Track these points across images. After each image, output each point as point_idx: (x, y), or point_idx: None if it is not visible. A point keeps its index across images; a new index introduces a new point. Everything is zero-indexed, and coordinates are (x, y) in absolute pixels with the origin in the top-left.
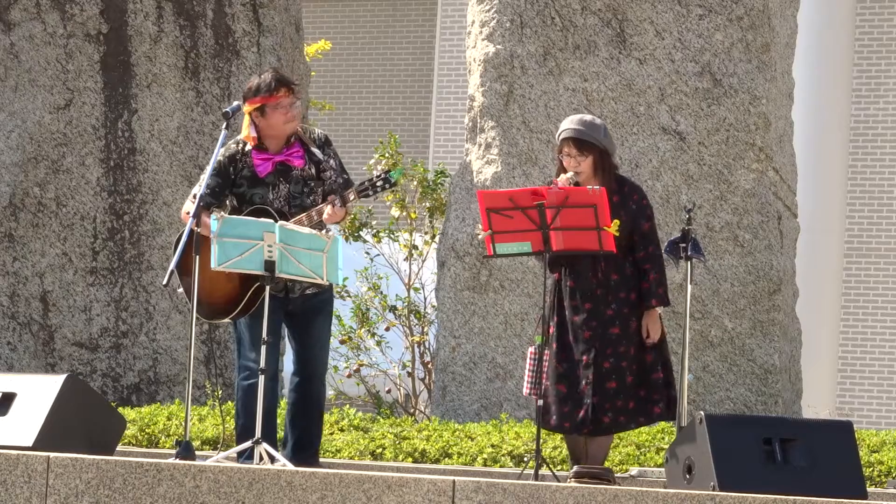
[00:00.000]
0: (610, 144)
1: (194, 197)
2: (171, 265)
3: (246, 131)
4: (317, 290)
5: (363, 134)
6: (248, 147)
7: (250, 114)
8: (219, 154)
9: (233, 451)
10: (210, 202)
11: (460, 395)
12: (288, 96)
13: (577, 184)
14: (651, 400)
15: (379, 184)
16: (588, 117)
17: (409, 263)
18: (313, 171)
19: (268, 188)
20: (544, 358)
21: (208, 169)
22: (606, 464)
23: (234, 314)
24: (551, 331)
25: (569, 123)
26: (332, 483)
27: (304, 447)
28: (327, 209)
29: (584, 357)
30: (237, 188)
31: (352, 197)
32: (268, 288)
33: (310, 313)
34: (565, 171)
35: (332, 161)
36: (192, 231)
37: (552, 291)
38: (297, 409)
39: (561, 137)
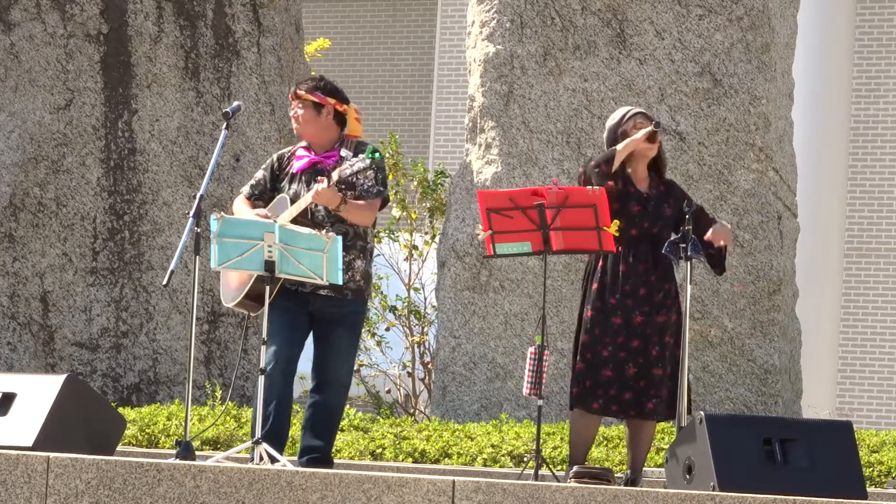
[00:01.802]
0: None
1: (243, 194)
2: (172, 265)
3: None
4: (334, 294)
5: (363, 134)
6: (301, 144)
7: None
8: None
9: (232, 452)
10: (252, 194)
11: (460, 395)
12: (294, 100)
13: (651, 136)
14: (675, 397)
15: (357, 165)
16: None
17: (410, 263)
18: (351, 179)
19: (301, 185)
20: (544, 358)
21: (208, 173)
22: (606, 464)
23: (237, 301)
24: (588, 314)
25: (636, 108)
26: (332, 483)
27: (311, 451)
28: (315, 186)
29: (636, 342)
30: (279, 183)
31: (335, 177)
32: (268, 288)
33: (332, 322)
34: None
35: (370, 172)
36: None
37: (594, 276)
38: (308, 414)
39: (631, 113)
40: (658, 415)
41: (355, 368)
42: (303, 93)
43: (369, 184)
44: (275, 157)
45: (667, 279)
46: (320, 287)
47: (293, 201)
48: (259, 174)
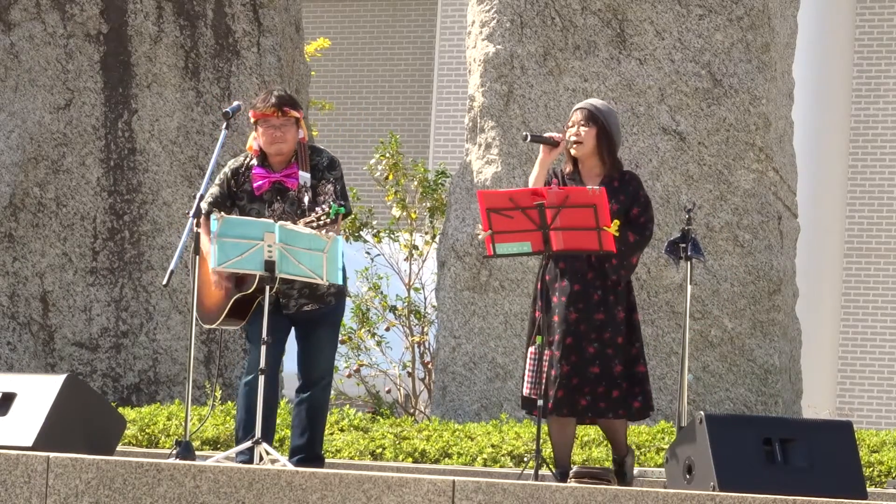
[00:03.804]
0: (616, 132)
1: (203, 213)
2: (171, 265)
3: (250, 142)
4: (318, 306)
5: (363, 134)
6: (253, 161)
7: (254, 126)
8: (225, 166)
9: (232, 452)
10: (210, 212)
11: (460, 395)
12: (278, 118)
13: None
14: (632, 394)
15: (323, 219)
16: (606, 104)
17: (410, 263)
18: (310, 194)
19: (264, 205)
20: (544, 358)
21: (208, 174)
22: (606, 464)
23: (218, 321)
24: (537, 315)
25: (585, 100)
26: (332, 483)
27: (300, 451)
28: None
29: (569, 339)
30: (238, 201)
31: (301, 224)
32: (268, 289)
33: (313, 322)
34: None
35: (329, 186)
36: (196, 238)
37: (538, 275)
38: (296, 413)
39: (573, 109)
40: (594, 412)
41: (355, 368)
42: (290, 110)
43: (330, 200)
44: (228, 172)
45: (608, 277)
46: (305, 304)
47: None
48: (215, 190)
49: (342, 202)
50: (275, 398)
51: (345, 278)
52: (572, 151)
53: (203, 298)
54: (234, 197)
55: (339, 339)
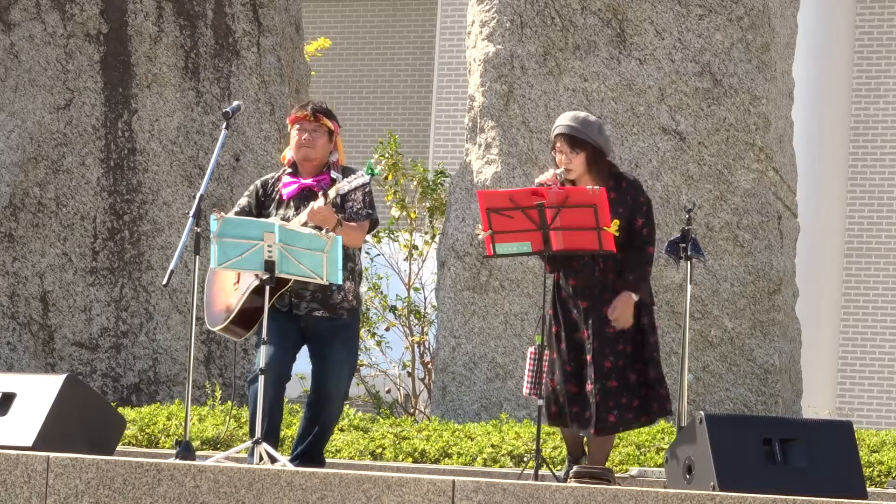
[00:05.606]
0: (605, 143)
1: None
2: (171, 265)
3: (284, 152)
4: (328, 314)
5: (363, 134)
6: (285, 172)
7: (289, 133)
8: (257, 180)
9: (232, 452)
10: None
11: (460, 395)
12: (309, 122)
13: (565, 182)
14: (649, 398)
15: (356, 180)
16: (582, 114)
17: (409, 263)
18: (338, 201)
19: (290, 210)
20: (544, 358)
21: (208, 174)
22: (607, 464)
23: (223, 325)
24: (555, 330)
25: (562, 120)
26: (332, 483)
27: (301, 456)
28: (312, 204)
29: (588, 356)
30: (264, 209)
31: (332, 194)
32: (268, 288)
33: (326, 338)
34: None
35: (358, 194)
36: (196, 238)
37: (552, 292)
38: (304, 424)
39: (554, 133)
40: (623, 425)
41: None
42: (323, 117)
43: (358, 206)
44: (258, 183)
45: (615, 288)
46: (315, 309)
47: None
48: (243, 201)
49: (370, 209)
50: (279, 400)
51: (359, 301)
52: (566, 177)
53: (216, 297)
54: (262, 206)
55: None
